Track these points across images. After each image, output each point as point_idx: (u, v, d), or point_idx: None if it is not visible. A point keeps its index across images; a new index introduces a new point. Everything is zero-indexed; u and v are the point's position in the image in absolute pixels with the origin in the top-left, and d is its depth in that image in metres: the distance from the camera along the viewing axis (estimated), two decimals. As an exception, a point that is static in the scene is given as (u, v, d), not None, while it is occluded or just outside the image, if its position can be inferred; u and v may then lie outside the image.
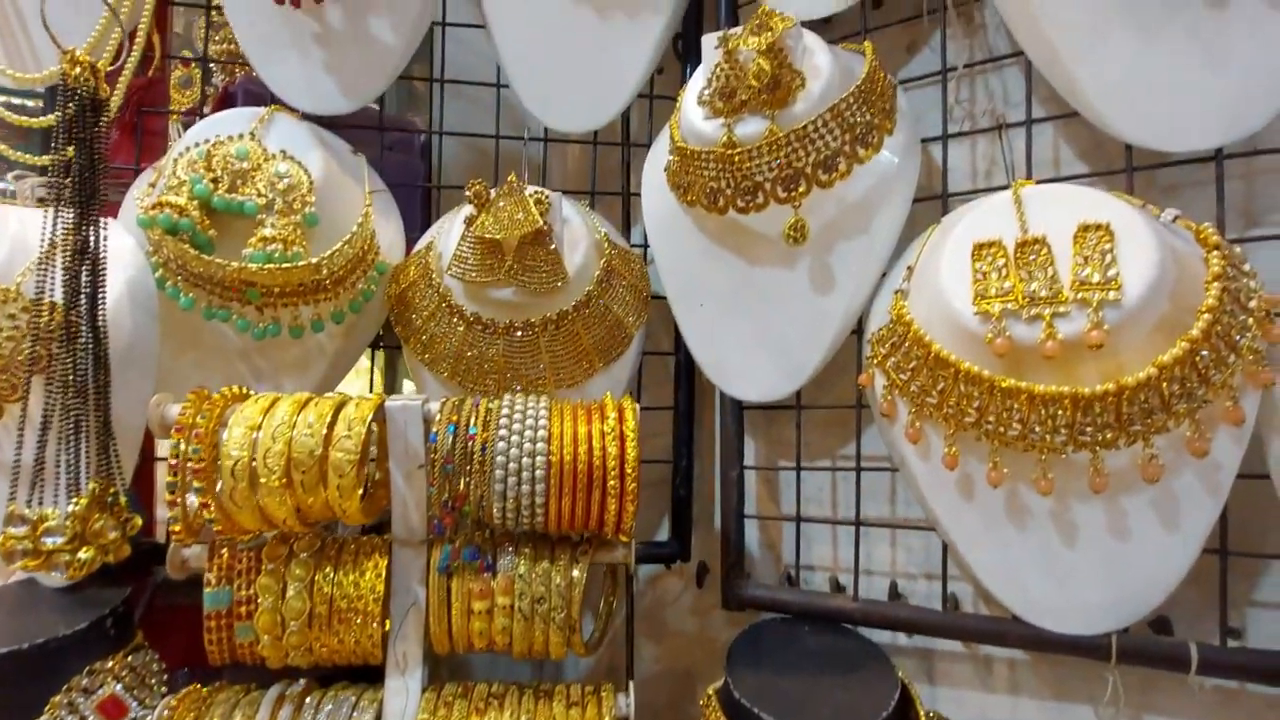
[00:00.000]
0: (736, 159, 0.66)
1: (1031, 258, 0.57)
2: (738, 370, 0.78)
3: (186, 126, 1.20)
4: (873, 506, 0.83)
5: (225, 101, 1.07)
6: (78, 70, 0.63)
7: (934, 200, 0.74)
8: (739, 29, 0.69)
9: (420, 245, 0.84)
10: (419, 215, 1.08)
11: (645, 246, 0.89)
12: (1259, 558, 0.64)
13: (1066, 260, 0.56)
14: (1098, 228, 0.55)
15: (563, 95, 0.86)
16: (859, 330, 0.76)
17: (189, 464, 0.63)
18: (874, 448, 0.80)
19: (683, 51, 0.92)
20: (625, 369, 0.83)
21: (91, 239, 0.67)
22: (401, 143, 1.16)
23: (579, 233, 0.79)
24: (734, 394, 0.80)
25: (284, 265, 0.71)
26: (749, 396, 0.79)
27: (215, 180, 0.73)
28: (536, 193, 0.75)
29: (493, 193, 0.76)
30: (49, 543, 0.64)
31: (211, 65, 1.01)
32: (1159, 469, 0.55)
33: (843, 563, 0.86)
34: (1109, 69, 0.61)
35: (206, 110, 0.89)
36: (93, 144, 0.65)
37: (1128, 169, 0.65)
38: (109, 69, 0.69)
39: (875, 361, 0.67)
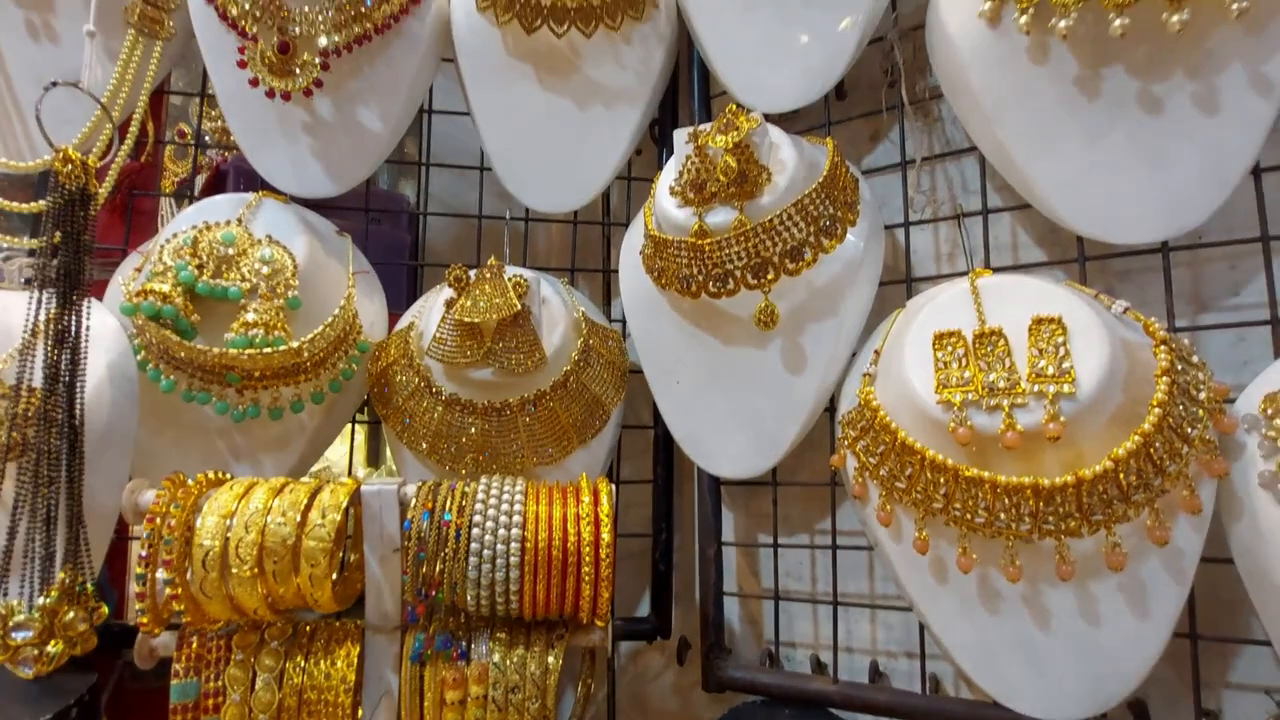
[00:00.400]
0: (707, 249, 0.69)
1: (989, 349, 0.59)
2: (714, 447, 0.79)
3: (178, 199, 1.24)
4: (852, 583, 0.83)
5: (217, 179, 1.10)
6: (69, 167, 0.65)
7: (900, 284, 0.77)
8: (708, 126, 0.72)
9: (402, 324, 0.86)
10: (404, 285, 1.11)
11: (625, 321, 0.91)
12: (1230, 642, 0.64)
13: (1023, 352, 0.58)
14: (1051, 321, 0.58)
15: (543, 179, 0.89)
16: (831, 408, 0.77)
17: (160, 554, 0.62)
18: (851, 523, 0.80)
19: (659, 136, 0.97)
20: (604, 445, 0.84)
21: (73, 326, 0.68)
22: (390, 213, 1.19)
23: (557, 313, 0.81)
24: (710, 470, 0.81)
25: (265, 350, 0.72)
26: (725, 473, 0.80)
27: (201, 266, 0.74)
28: (515, 276, 0.78)
29: (473, 275, 0.78)
30: (17, 638, 0.62)
31: (206, 139, 1.05)
32: (1122, 557, 0.55)
33: (824, 639, 0.85)
34: (1058, 168, 0.65)
35: (197, 193, 0.92)
36: (79, 236, 0.67)
37: (1080, 258, 0.68)
38: (100, 164, 0.71)
39: (846, 443, 0.69)
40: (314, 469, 0.92)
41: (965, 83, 0.68)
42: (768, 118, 0.84)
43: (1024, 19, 0.61)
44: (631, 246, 0.83)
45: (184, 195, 0.94)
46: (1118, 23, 0.57)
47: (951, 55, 0.69)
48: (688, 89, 0.94)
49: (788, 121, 0.85)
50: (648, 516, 0.92)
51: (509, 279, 0.77)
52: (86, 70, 0.72)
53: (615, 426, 0.86)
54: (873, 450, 0.65)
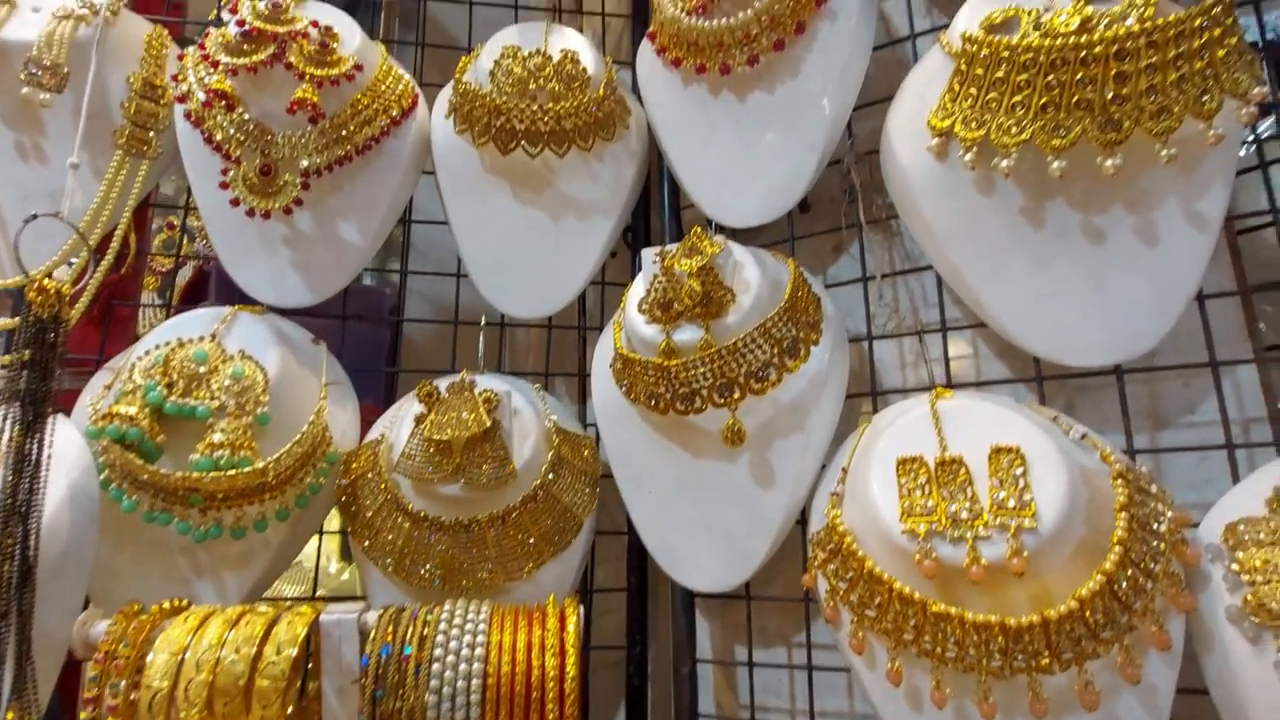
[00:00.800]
0: (674, 369, 0.70)
1: (951, 477, 0.59)
2: (686, 558, 0.78)
3: (162, 294, 1.25)
4: (831, 700, 0.80)
5: (199, 283, 1.12)
6: (42, 297, 0.66)
7: (866, 396, 0.78)
8: (674, 247, 0.75)
9: (373, 434, 0.85)
10: (383, 381, 1.11)
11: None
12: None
13: (984, 481, 0.59)
14: (1010, 451, 0.58)
15: (518, 287, 0.91)
16: (803, 520, 0.77)
17: (106, 700, 0.60)
18: (829, 635, 0.78)
19: (632, 242, 0.99)
20: (576, 555, 0.83)
21: (34, 452, 0.68)
22: (370, 308, 1.21)
23: (529, 423, 0.81)
24: (683, 583, 0.79)
25: (229, 472, 0.71)
26: (697, 586, 0.78)
27: (170, 385, 0.75)
28: (485, 391, 0.78)
29: (443, 388, 0.79)
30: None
31: (193, 235, 1.07)
32: (1095, 696, 0.54)
33: (805, 761, 0.82)
34: (1009, 294, 0.67)
35: (181, 288, 0.93)
36: (47, 362, 0.67)
37: (1038, 377, 0.69)
38: (73, 291, 0.72)
39: (817, 564, 0.68)
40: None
41: (918, 210, 0.71)
42: (734, 233, 0.87)
43: (968, 156, 0.65)
44: (602, 356, 0.84)
45: (164, 304, 0.95)
46: (1055, 165, 0.61)
47: (904, 184, 0.72)
48: (659, 200, 0.97)
49: (752, 235, 0.88)
50: (622, 623, 0.90)
51: (479, 394, 0.77)
52: (67, 200, 0.74)
53: (588, 534, 0.85)
54: (842, 575, 0.64)
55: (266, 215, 0.82)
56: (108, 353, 0.90)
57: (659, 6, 0.85)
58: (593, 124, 0.86)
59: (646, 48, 0.89)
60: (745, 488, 0.75)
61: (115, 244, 0.86)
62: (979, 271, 0.68)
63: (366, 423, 0.91)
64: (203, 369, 0.76)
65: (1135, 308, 0.63)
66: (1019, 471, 0.57)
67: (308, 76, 0.80)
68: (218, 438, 0.73)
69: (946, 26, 0.72)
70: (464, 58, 0.90)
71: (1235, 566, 0.55)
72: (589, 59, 0.88)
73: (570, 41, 0.89)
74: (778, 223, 0.85)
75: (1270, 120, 0.77)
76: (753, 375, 0.69)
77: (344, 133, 0.84)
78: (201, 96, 0.80)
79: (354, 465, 0.82)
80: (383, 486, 0.78)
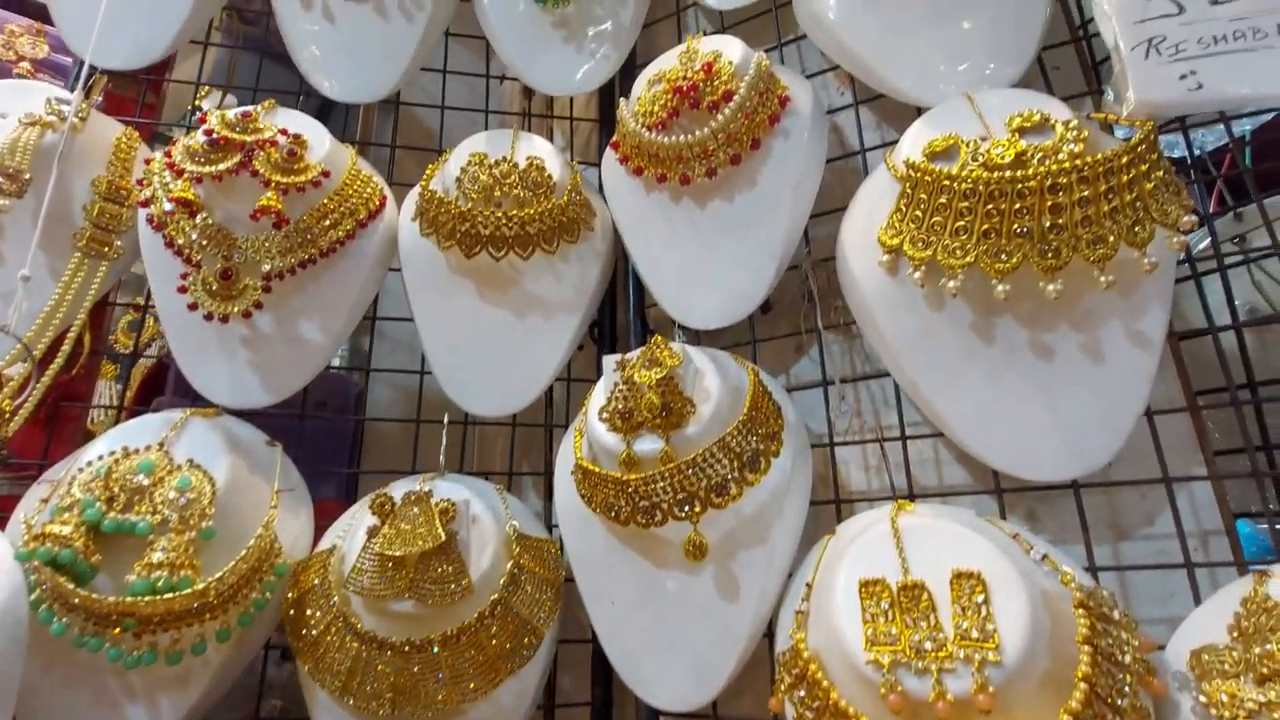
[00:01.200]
0: (633, 483, 0.69)
1: (914, 603, 0.58)
2: (651, 675, 0.75)
3: (121, 378, 1.22)
4: (804, 827, 0.76)
5: (158, 375, 1.10)
6: (-22, 416, 0.64)
7: (830, 504, 0.77)
8: (636, 355, 0.75)
9: (325, 543, 0.82)
10: (344, 480, 1.08)
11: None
12: None
13: (947, 607, 0.57)
14: (971, 576, 0.57)
15: (482, 385, 0.91)
16: (770, 633, 0.75)
17: None
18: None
19: (598, 337, 1.00)
20: (536, 670, 0.79)
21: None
22: (337, 394, 1.19)
23: (487, 532, 0.78)
24: (648, 700, 0.76)
25: (166, 595, 0.68)
26: (661, 704, 0.75)
27: (111, 499, 0.72)
28: (442, 501, 0.76)
29: (398, 497, 0.76)
30: None
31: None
32: (1071, 843, 0.52)
33: None
34: (964, 406, 0.68)
35: (140, 381, 0.90)
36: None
37: (997, 490, 0.69)
38: (13, 406, 0.70)
39: (783, 689, 0.65)
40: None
41: (873, 320, 0.73)
42: (697, 333, 0.88)
43: (917, 274, 0.66)
44: (564, 461, 0.83)
45: (116, 405, 0.92)
46: (1000, 288, 0.62)
47: (858, 295, 0.74)
48: (624, 296, 0.98)
49: (715, 336, 0.89)
50: (588, 739, 0.85)
51: (435, 504, 0.75)
52: (15, 311, 0.73)
53: (550, 646, 0.81)
54: (808, 704, 0.62)
55: (225, 319, 0.82)
56: (53, 455, 0.87)
57: (621, 119, 0.88)
58: (557, 228, 0.87)
59: (611, 155, 0.92)
60: (710, 601, 0.73)
61: (67, 345, 0.84)
62: (933, 384, 0.69)
63: (328, 516, 0.88)
64: (147, 481, 0.73)
65: (1086, 424, 0.64)
66: (980, 599, 0.56)
67: (273, 184, 0.81)
68: (157, 557, 0.69)
69: (894, 143, 0.75)
70: (431, 165, 0.92)
71: (1203, 699, 0.54)
72: (554, 165, 0.90)
73: (537, 148, 0.92)
74: (740, 324, 0.86)
75: (1206, 231, 0.80)
76: (713, 489, 0.68)
77: (309, 236, 0.84)
78: (166, 206, 0.81)
79: (303, 578, 0.79)
80: (332, 602, 0.75)
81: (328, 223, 0.86)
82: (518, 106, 1.23)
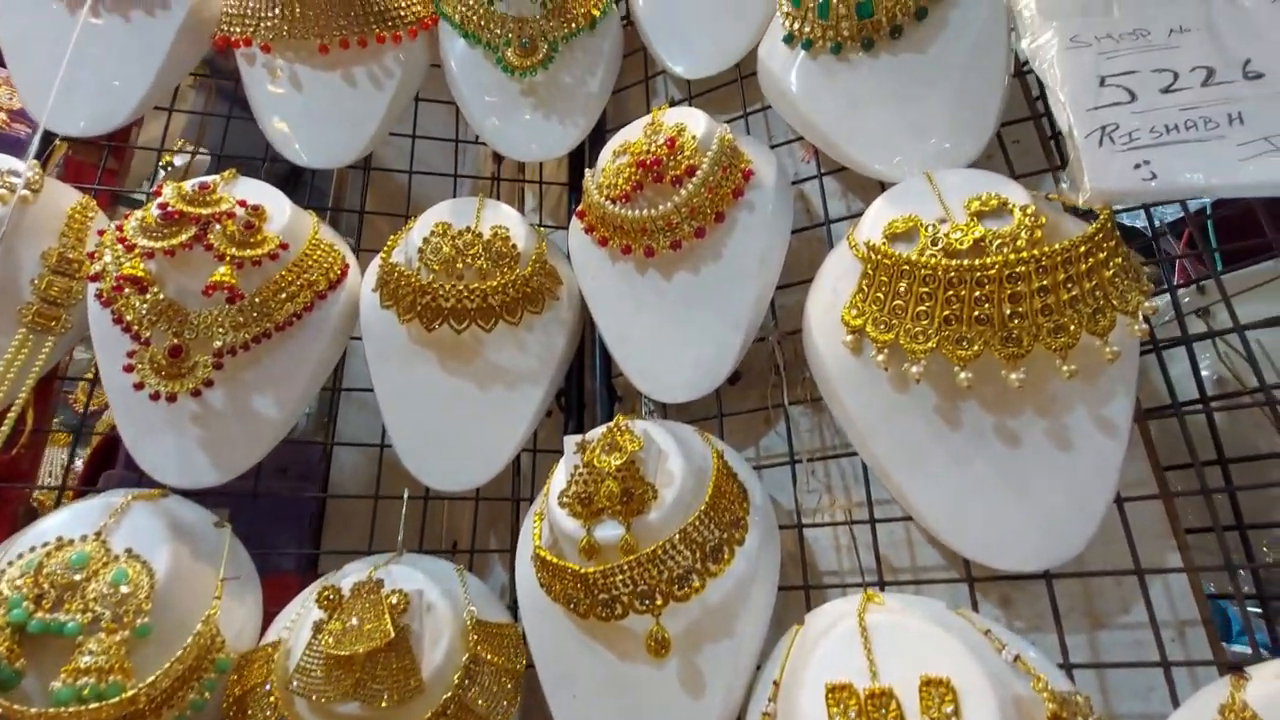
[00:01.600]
0: (591, 576, 0.66)
1: (881, 712, 0.55)
2: (615, 775, 0.71)
3: (73, 446, 1.18)
4: None
5: (108, 449, 1.06)
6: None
7: (799, 589, 0.75)
8: (596, 435, 0.73)
9: (270, 636, 0.78)
10: (303, 559, 1.04)
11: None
12: None
13: (915, 717, 0.55)
14: (940, 684, 0.54)
15: (443, 459, 0.88)
16: (739, 728, 0.71)
17: None
18: None
19: (565, 406, 0.98)
20: (493, 770, 0.75)
21: None
22: (300, 462, 1.15)
23: (443, 622, 0.75)
24: (613, 803, 0.72)
25: (92, 705, 0.63)
26: (627, 807, 0.71)
27: (40, 596, 0.67)
28: (393, 592, 0.72)
29: (347, 588, 0.73)
30: None
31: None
32: None
33: None
34: (931, 490, 0.66)
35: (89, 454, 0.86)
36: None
37: (969, 579, 0.67)
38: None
39: (749, 798, 0.62)
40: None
41: (838, 398, 0.71)
42: (664, 405, 0.86)
43: (880, 357, 0.65)
44: (525, 548, 0.80)
45: (58, 486, 0.88)
46: (962, 375, 0.61)
47: (824, 372, 0.72)
48: (591, 364, 0.96)
49: (681, 409, 0.87)
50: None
51: (386, 596, 0.72)
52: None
53: (510, 742, 0.77)
54: (774, 818, 0.58)
55: (172, 398, 0.79)
56: (-8, 537, 0.83)
57: (587, 189, 0.87)
58: (520, 298, 0.86)
59: (577, 224, 0.91)
60: (675, 696, 0.69)
61: (7, 425, 0.81)
62: (899, 464, 0.67)
63: (287, 590, 0.84)
64: (79, 576, 0.69)
65: (1057, 512, 0.62)
66: (949, 710, 0.53)
67: (228, 258, 0.79)
68: (85, 661, 0.65)
69: (859, 215, 0.75)
70: (393, 235, 0.90)
71: (1184, 817, 0.51)
72: (519, 234, 0.89)
73: (503, 217, 0.91)
74: (708, 396, 0.85)
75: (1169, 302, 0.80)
76: (675, 582, 0.66)
77: (264, 310, 0.82)
78: (114, 282, 0.78)
79: (246, 674, 0.74)
80: (273, 702, 0.71)
81: (284, 295, 0.84)
82: (488, 170, 1.23)
